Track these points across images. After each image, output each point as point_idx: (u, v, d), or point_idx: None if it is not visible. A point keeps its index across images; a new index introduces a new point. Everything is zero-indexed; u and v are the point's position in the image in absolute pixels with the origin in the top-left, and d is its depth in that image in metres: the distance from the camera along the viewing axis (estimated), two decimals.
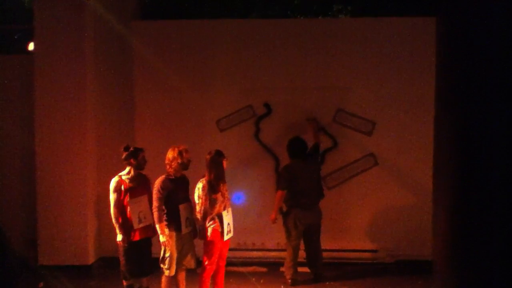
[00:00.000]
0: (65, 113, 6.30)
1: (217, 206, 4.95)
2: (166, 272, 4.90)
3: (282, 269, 6.01)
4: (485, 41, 2.78)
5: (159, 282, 5.02)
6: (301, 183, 5.72)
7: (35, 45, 6.45)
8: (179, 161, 4.89)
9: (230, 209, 5.10)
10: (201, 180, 4.97)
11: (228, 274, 5.48)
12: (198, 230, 4.99)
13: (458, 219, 2.95)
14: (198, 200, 4.92)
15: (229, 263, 5.43)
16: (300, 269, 5.94)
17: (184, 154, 4.91)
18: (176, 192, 4.89)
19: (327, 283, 5.89)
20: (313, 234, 5.89)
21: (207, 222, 4.92)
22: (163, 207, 4.85)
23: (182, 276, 5.07)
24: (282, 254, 6.13)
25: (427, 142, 5.99)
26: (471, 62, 2.82)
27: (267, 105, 6.60)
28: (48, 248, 6.35)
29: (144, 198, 4.98)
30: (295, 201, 5.77)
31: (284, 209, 5.88)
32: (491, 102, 2.76)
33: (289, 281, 5.82)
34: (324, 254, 6.21)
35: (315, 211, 5.85)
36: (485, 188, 2.80)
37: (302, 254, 6.03)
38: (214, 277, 5.11)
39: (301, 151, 5.86)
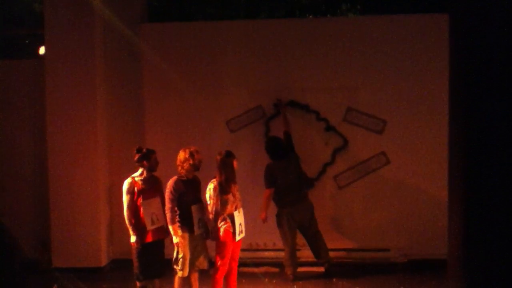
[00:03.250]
0: (76, 116, 6.34)
1: (228, 206, 4.96)
2: (179, 273, 4.91)
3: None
4: (499, 37, 2.75)
5: (172, 283, 5.04)
6: (282, 181, 5.84)
7: (45, 49, 6.50)
8: (191, 162, 4.90)
9: (241, 210, 5.10)
10: (212, 181, 4.97)
11: (241, 275, 5.49)
12: (210, 231, 5.00)
13: (473, 218, 2.92)
14: (209, 201, 4.93)
15: (241, 264, 5.44)
16: (312, 269, 5.95)
17: (195, 155, 4.93)
18: (188, 193, 4.91)
19: (339, 282, 5.87)
20: (308, 229, 5.96)
21: (218, 223, 4.93)
22: (176, 208, 4.86)
23: (195, 277, 5.08)
24: None
25: (440, 139, 6.01)
26: (485, 59, 2.79)
27: (276, 105, 6.59)
28: (61, 250, 6.39)
29: (157, 199, 5.00)
30: (281, 200, 5.89)
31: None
32: (506, 99, 2.73)
33: (291, 276, 5.90)
34: (336, 253, 6.21)
35: (304, 205, 5.94)
36: (501, 187, 2.77)
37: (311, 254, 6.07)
38: (226, 278, 5.11)
39: (278, 150, 5.96)
